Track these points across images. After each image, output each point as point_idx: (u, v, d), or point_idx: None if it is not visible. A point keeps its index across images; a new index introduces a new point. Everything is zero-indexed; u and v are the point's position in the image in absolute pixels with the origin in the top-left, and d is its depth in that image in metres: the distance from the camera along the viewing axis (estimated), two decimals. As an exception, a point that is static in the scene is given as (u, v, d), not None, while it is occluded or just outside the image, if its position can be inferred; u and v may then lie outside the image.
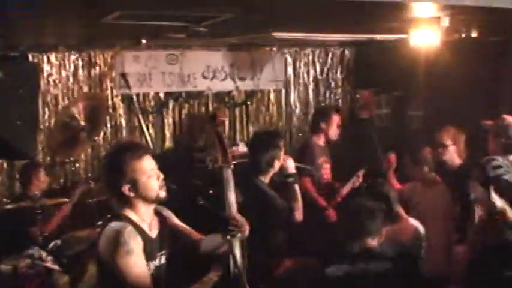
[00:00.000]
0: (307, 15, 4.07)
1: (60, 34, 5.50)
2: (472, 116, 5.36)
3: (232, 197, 3.47)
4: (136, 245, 2.93)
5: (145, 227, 3.08)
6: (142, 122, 6.53)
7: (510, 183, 4.21)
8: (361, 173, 5.91)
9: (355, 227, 3.76)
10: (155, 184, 3.08)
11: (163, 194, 3.11)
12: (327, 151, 6.12)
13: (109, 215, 3.11)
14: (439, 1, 3.27)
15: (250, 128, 7.93)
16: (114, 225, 2.97)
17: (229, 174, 3.50)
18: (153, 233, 3.15)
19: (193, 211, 4.05)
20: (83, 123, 5.86)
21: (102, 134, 6.95)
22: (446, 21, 4.18)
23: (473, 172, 4.50)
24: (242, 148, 7.40)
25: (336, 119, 6.07)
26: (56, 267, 5.09)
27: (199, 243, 3.36)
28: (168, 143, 7.42)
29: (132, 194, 3.02)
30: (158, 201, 3.14)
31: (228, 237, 3.23)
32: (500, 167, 4.31)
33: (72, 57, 6.80)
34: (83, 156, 6.90)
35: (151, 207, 3.15)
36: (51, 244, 5.31)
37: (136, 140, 6.97)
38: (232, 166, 3.53)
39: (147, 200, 3.08)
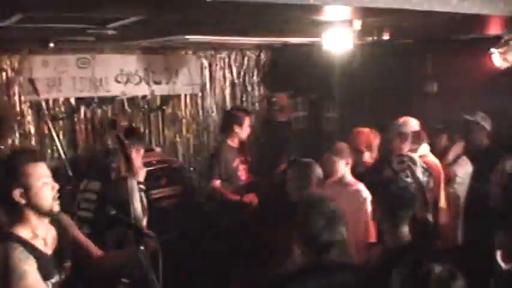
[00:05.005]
0: (219, 18, 3.99)
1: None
2: (384, 116, 5.44)
3: (138, 207, 3.31)
4: (28, 266, 2.75)
5: (39, 244, 2.90)
6: (52, 128, 6.26)
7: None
8: None
9: None
10: (49, 194, 2.90)
11: (57, 207, 2.94)
12: (242, 151, 6.07)
13: None
14: (351, 3, 3.25)
15: (166, 133, 7.79)
16: (2, 247, 2.77)
17: (133, 184, 3.34)
18: (49, 248, 2.97)
19: (105, 222, 3.90)
20: (-12, 131, 5.58)
21: (10, 141, 6.60)
22: (358, 25, 4.20)
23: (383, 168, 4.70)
24: (159, 153, 7.25)
25: (247, 120, 6.03)
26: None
27: (103, 259, 3.24)
28: (80, 150, 7.14)
29: (23, 201, 2.83)
30: (51, 214, 2.96)
31: (141, 247, 3.10)
32: (403, 162, 4.67)
33: (-22, 63, 6.44)
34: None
35: (45, 220, 2.97)
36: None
37: (45, 147, 6.74)
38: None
39: (39, 211, 2.89)
